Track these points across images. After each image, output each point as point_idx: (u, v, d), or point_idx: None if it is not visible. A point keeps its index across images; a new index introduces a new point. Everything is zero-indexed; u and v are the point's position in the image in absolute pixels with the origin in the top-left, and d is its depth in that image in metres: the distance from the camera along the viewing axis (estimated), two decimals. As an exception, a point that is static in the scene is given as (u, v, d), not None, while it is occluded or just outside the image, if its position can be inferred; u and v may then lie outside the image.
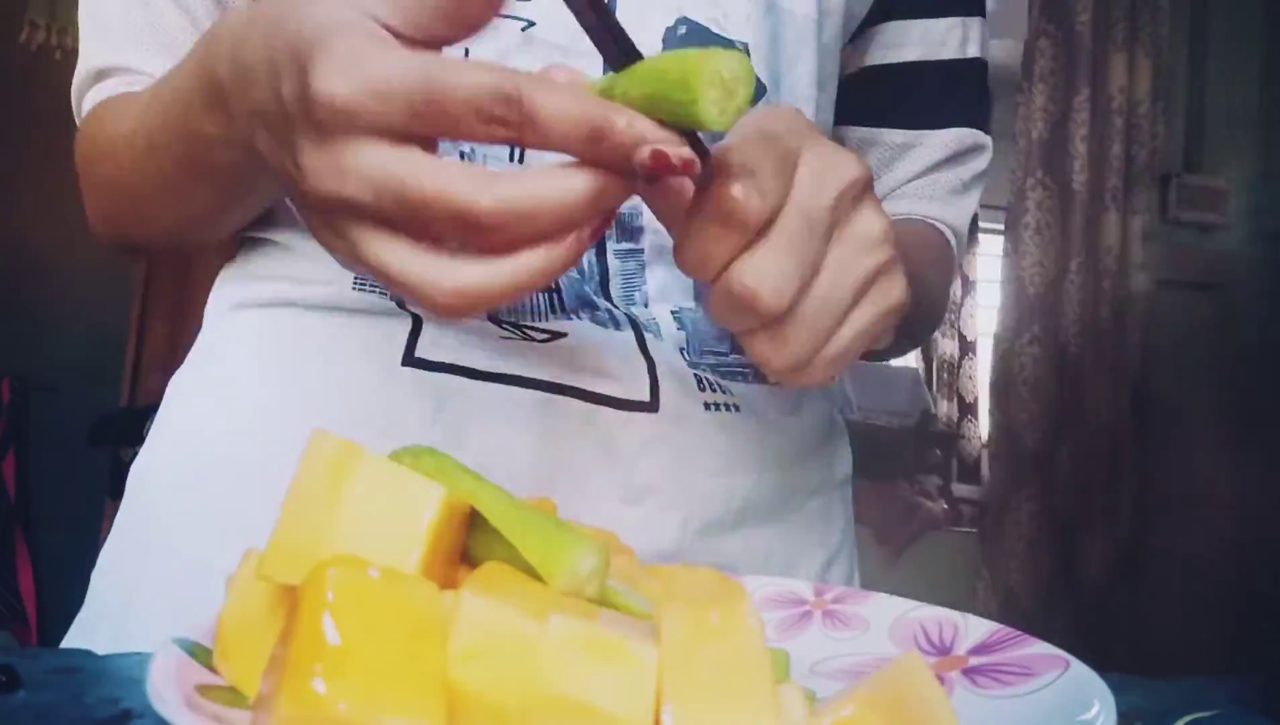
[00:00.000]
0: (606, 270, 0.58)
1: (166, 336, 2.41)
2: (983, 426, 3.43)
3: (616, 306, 0.58)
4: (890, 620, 0.44)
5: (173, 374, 0.68)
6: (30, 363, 2.39)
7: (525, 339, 0.56)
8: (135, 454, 0.65)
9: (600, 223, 0.38)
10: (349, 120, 0.36)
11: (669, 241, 0.56)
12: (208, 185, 0.51)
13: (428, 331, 0.56)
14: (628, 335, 0.57)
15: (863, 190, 0.42)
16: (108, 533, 0.63)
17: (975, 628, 0.42)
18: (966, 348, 3.69)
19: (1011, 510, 2.49)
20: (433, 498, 0.32)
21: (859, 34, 0.68)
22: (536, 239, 0.36)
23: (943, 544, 2.86)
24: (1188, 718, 0.36)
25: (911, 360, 3.61)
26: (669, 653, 0.29)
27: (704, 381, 0.59)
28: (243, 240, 0.64)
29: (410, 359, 0.56)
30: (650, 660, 0.29)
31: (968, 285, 3.69)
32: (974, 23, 0.70)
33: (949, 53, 0.70)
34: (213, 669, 0.33)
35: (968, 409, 3.59)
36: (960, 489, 3.30)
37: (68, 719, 0.35)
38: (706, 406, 0.58)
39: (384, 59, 0.36)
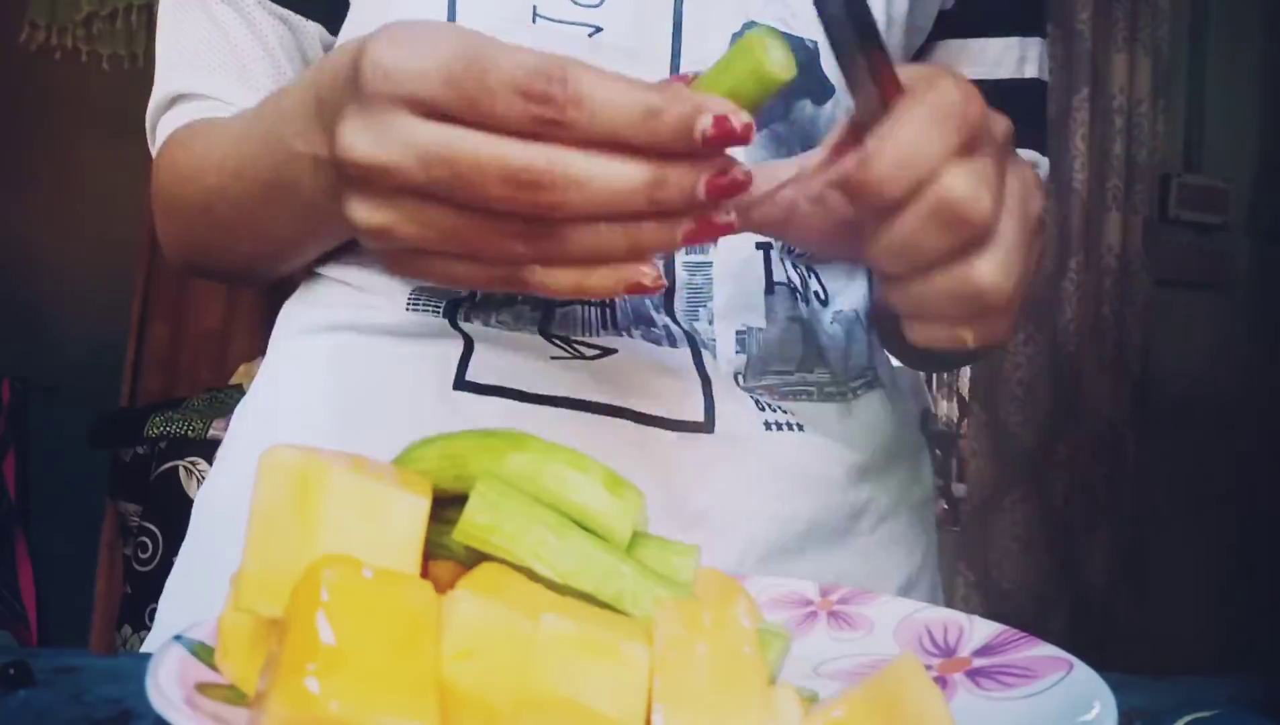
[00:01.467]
0: (673, 283, 0.56)
1: (166, 336, 2.40)
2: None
3: (679, 322, 0.57)
4: (895, 621, 0.44)
5: (173, 374, 0.69)
6: (30, 363, 2.39)
7: (575, 356, 0.55)
8: (135, 454, 0.66)
9: (697, 226, 0.37)
10: (391, 87, 0.36)
11: (745, 253, 0.56)
12: (291, 213, 0.51)
13: (479, 353, 0.56)
14: (683, 353, 0.56)
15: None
16: (108, 533, 0.63)
17: (980, 629, 0.41)
18: (966, 348, 3.68)
19: (1005, 510, 2.49)
20: (416, 510, 0.31)
21: (920, 50, 0.68)
22: (597, 217, 0.36)
23: (942, 545, 2.85)
24: (1187, 718, 0.35)
25: (911, 360, 3.60)
26: (661, 652, 0.29)
27: (762, 403, 0.57)
28: (309, 274, 0.64)
29: (461, 383, 0.55)
30: (642, 660, 0.29)
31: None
32: (1032, 43, 0.70)
33: (1005, 72, 0.69)
34: (214, 667, 0.33)
35: (967, 409, 3.59)
36: (960, 489, 3.30)
37: (68, 719, 0.35)
38: (767, 426, 0.57)
39: (435, 34, 0.36)
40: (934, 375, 3.75)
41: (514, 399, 0.55)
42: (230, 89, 0.62)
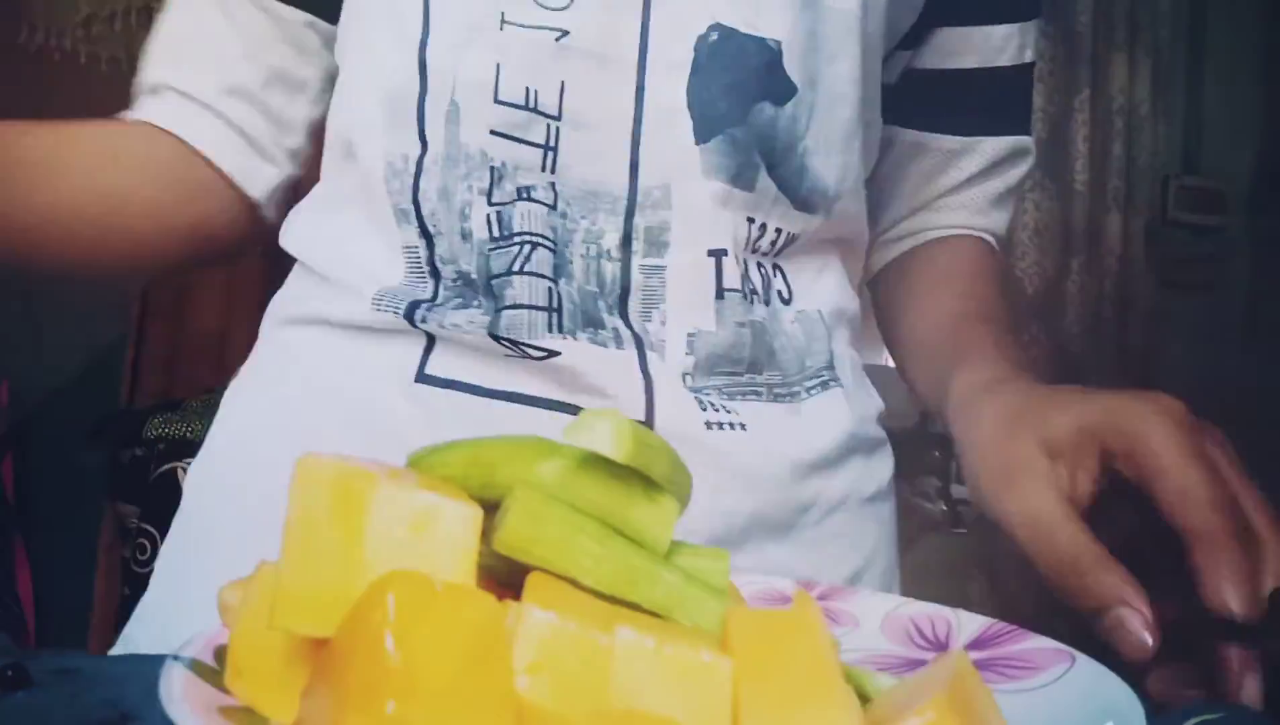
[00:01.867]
0: (629, 285, 0.58)
1: (166, 336, 2.40)
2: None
3: (631, 323, 0.58)
4: (880, 616, 0.44)
5: (172, 375, 0.71)
6: (29, 364, 2.38)
7: (524, 357, 0.57)
8: (133, 456, 0.67)
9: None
10: None
11: (696, 258, 0.57)
12: None
13: (438, 350, 0.59)
14: (629, 354, 0.57)
15: None
16: (106, 535, 0.64)
17: (968, 623, 0.41)
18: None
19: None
20: (468, 520, 0.30)
21: (915, 37, 0.68)
22: None
23: (942, 546, 2.85)
24: (1194, 720, 0.35)
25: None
26: (741, 660, 0.28)
27: (705, 403, 0.58)
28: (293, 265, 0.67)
29: (421, 376, 0.58)
30: (725, 669, 0.28)
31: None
32: (1030, 26, 0.70)
33: (1006, 60, 0.70)
34: (223, 689, 0.32)
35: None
36: (959, 490, 3.29)
37: (66, 719, 0.35)
38: (709, 426, 0.58)
39: None
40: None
41: (470, 393, 0.58)
42: (198, 80, 0.65)
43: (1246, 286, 2.64)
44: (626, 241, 0.57)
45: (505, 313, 0.57)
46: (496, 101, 0.56)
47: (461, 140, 0.57)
